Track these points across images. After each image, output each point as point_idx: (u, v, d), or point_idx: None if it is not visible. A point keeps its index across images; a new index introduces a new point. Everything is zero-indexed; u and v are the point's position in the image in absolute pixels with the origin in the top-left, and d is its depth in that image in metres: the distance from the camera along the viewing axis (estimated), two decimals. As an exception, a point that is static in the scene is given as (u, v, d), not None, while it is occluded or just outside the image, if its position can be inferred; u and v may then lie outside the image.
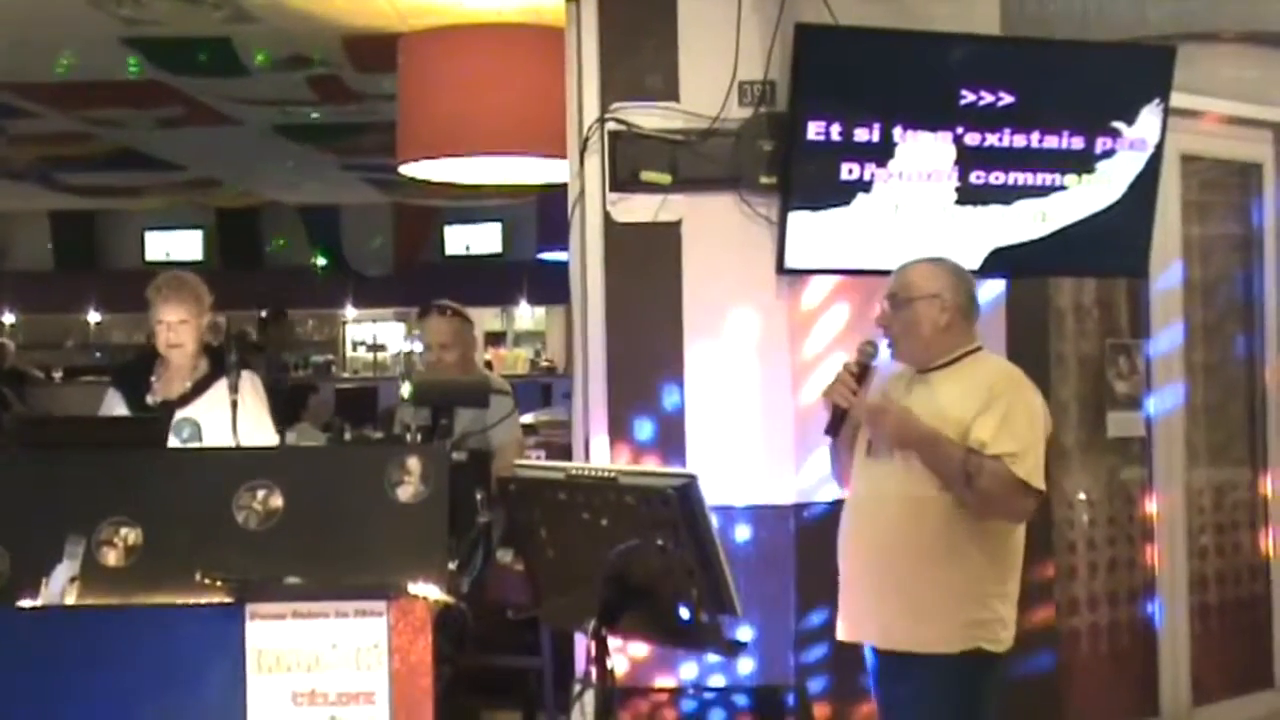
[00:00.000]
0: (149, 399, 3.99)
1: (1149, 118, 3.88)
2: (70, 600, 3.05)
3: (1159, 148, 3.91)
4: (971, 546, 2.93)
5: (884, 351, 3.08)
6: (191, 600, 3.04)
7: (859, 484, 3.11)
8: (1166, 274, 4.64)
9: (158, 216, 13.74)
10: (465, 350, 4.61)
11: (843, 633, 3.15)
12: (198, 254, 13.91)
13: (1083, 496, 4.51)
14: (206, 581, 3.03)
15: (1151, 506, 4.65)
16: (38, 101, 7.48)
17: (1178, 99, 3.97)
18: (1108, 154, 3.86)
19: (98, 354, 13.90)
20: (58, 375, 13.08)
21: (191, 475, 3.32)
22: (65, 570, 3.06)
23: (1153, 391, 4.64)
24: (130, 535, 3.15)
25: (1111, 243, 3.96)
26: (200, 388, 4.00)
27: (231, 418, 3.73)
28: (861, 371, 3.03)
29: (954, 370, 3.02)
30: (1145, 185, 3.92)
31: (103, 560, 3.13)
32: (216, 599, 3.03)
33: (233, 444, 3.73)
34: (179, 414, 3.92)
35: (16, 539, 3.13)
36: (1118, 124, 3.85)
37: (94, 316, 14.58)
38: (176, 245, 13.93)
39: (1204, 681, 4.71)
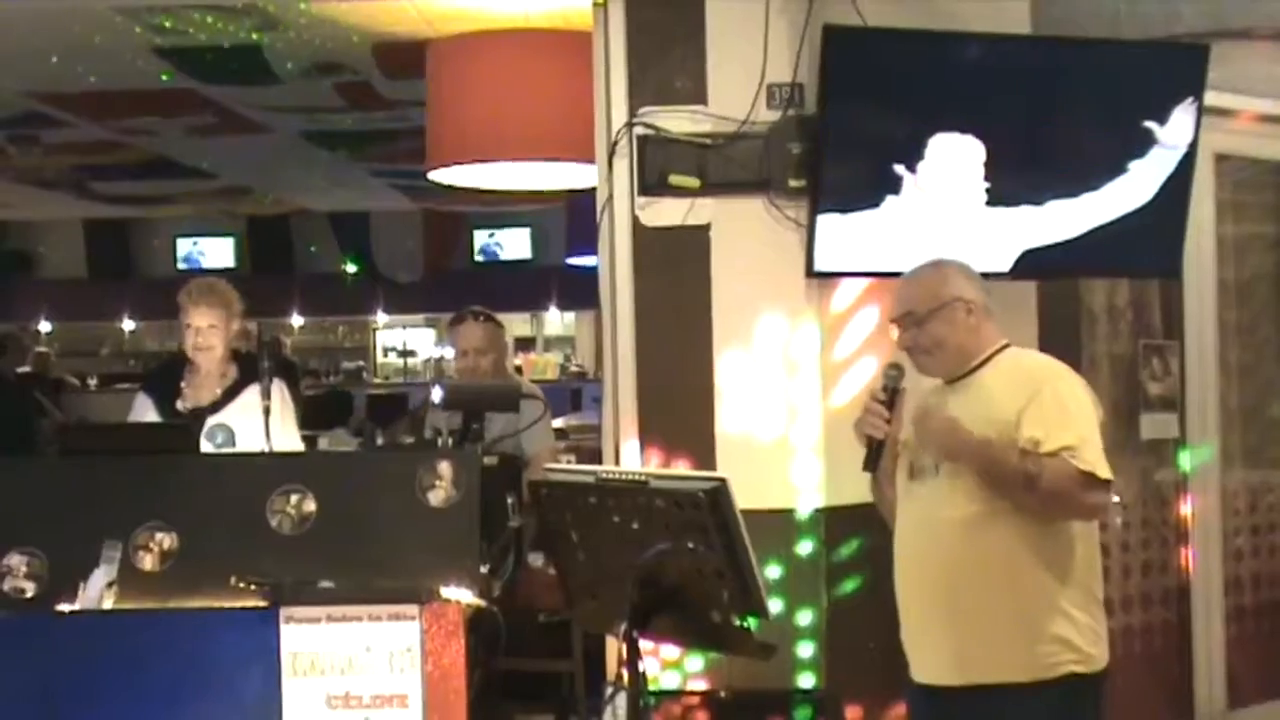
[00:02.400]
0: (179, 405, 4.02)
1: (1182, 117, 3.85)
2: (107, 604, 3.09)
3: (1192, 147, 3.88)
4: (1033, 558, 2.74)
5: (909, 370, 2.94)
6: (227, 604, 3.07)
7: (905, 510, 2.92)
8: (1200, 274, 4.60)
9: (190, 224, 13.86)
10: (499, 355, 4.64)
11: (914, 674, 2.91)
12: (230, 261, 14.03)
13: (1116, 499, 4.47)
14: (241, 585, 3.06)
15: (1186, 508, 4.61)
16: (70, 111, 7.56)
17: (1211, 98, 3.93)
18: (1140, 154, 3.82)
19: (132, 361, 14.04)
20: (93, 382, 13.21)
21: (226, 480, 3.36)
22: (102, 575, 3.10)
23: (1187, 393, 4.60)
24: (166, 540, 3.18)
25: (1144, 243, 3.92)
26: (231, 394, 4.03)
27: (265, 424, 3.75)
28: (890, 398, 2.88)
29: (989, 371, 2.86)
30: (1178, 185, 3.89)
31: (139, 565, 3.16)
32: (251, 603, 3.05)
33: (265, 449, 3.75)
34: (211, 420, 3.95)
35: (54, 544, 3.17)
36: (1150, 124, 3.82)
37: (128, 324, 14.73)
38: (209, 252, 14.05)
39: (1239, 685, 4.66)
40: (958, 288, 2.89)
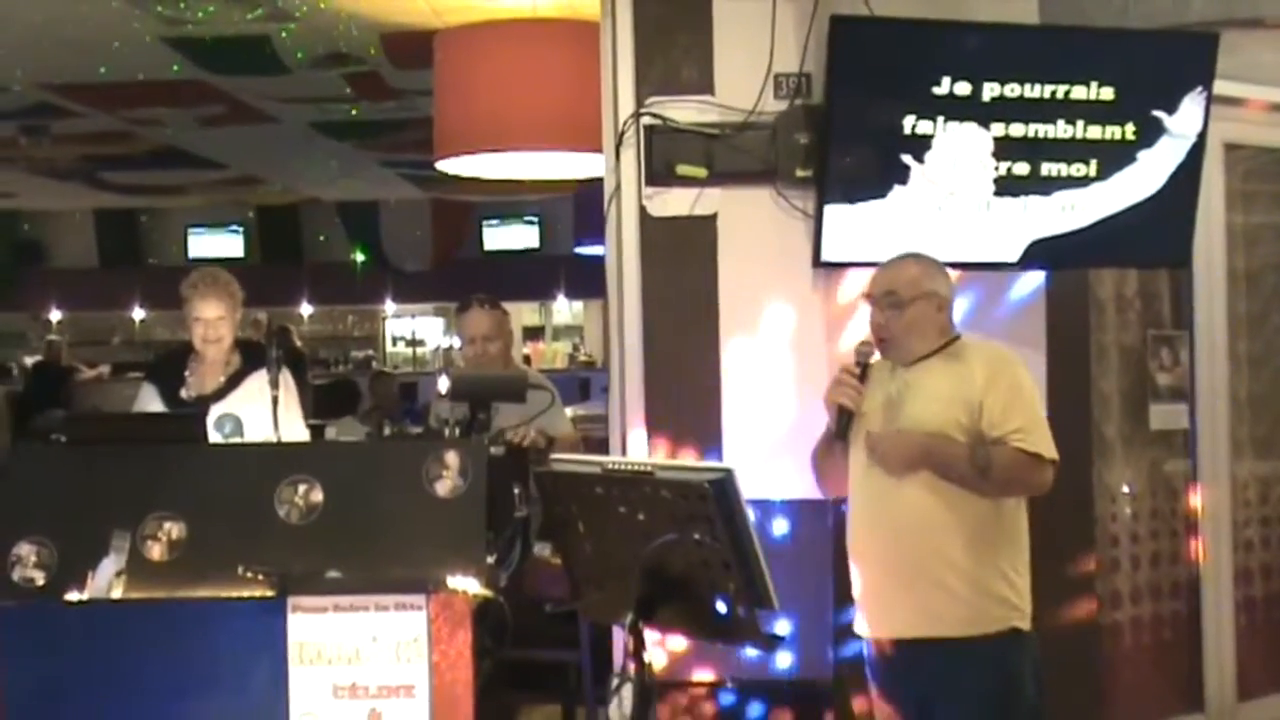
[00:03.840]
0: (183, 394, 4.04)
1: (1191, 106, 3.82)
2: (116, 594, 3.10)
3: (1201, 137, 3.86)
4: (989, 525, 2.98)
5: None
6: (234, 594, 3.08)
7: (861, 478, 3.12)
8: (1210, 264, 4.57)
9: (200, 214, 13.89)
10: (506, 342, 4.63)
11: (865, 629, 3.15)
12: (239, 251, 14.05)
13: (1125, 490, 4.47)
14: (249, 575, 3.06)
15: (1195, 500, 4.59)
16: (81, 101, 7.58)
17: (1220, 87, 3.91)
18: (1149, 143, 3.80)
19: (143, 350, 14.08)
20: (104, 370, 13.25)
21: (233, 470, 3.36)
22: (111, 564, 3.11)
23: (1196, 383, 4.58)
24: (174, 530, 3.19)
25: (1153, 233, 3.91)
26: (234, 381, 4.05)
27: (272, 413, 3.76)
28: (862, 371, 3.11)
29: (943, 356, 3.07)
30: (1187, 175, 3.87)
31: (147, 554, 3.17)
32: (258, 592, 3.06)
33: (273, 438, 3.76)
34: (216, 409, 3.96)
35: (63, 533, 3.18)
36: (1159, 113, 3.80)
37: (138, 313, 14.77)
38: (218, 242, 14.08)
39: (1249, 676, 4.65)
40: (937, 283, 3.10)
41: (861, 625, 3.17)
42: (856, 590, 3.17)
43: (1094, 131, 3.76)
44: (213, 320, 3.99)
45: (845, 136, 3.63)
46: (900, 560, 3.02)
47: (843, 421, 3.11)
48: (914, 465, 2.99)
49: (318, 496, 3.21)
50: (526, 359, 12.85)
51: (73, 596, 3.10)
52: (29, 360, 13.09)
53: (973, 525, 2.97)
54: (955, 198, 3.71)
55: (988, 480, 2.94)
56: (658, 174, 3.80)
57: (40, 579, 3.14)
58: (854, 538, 3.16)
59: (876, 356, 3.14)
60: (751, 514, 2.34)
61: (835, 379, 3.14)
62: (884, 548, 3.07)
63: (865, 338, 3.16)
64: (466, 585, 3.05)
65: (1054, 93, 3.70)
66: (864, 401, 3.09)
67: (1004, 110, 3.68)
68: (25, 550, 3.16)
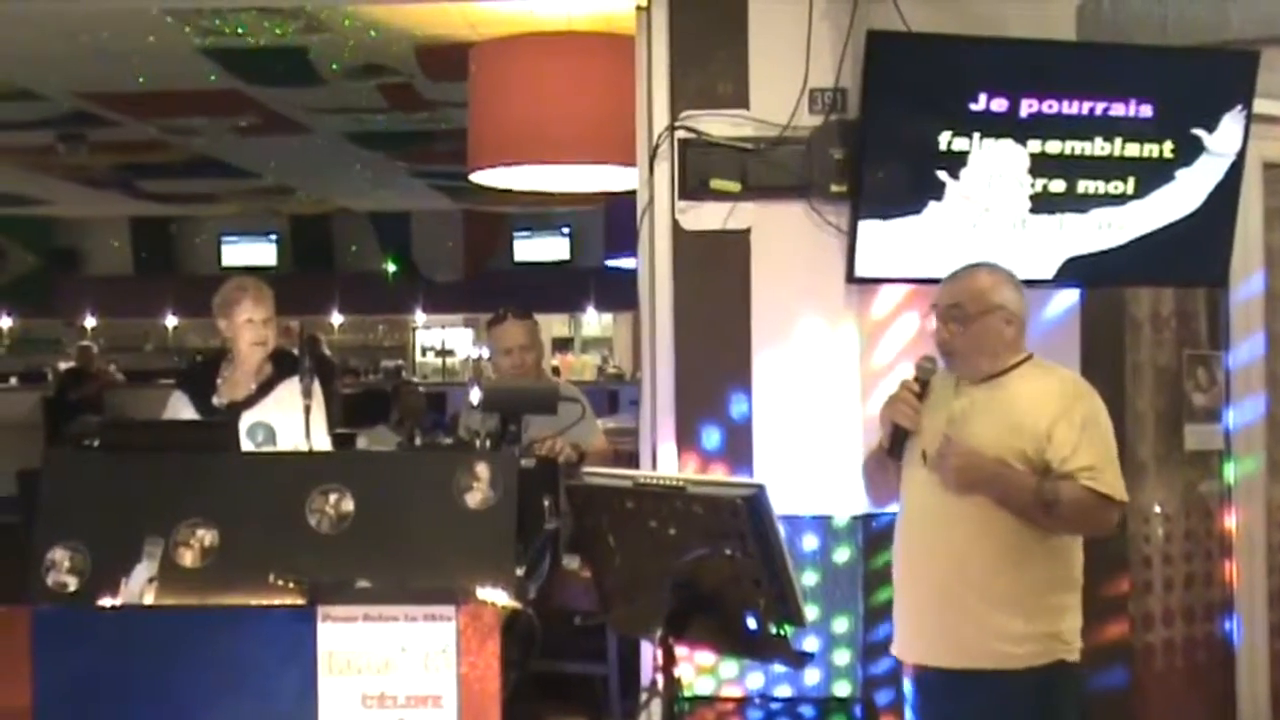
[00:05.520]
0: (215, 401, 4.06)
1: (1230, 125, 3.79)
2: (148, 600, 3.11)
3: (1241, 155, 3.83)
4: (1041, 555, 2.87)
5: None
6: (265, 601, 3.09)
7: (916, 496, 3.01)
8: (1247, 283, 4.53)
9: (234, 222, 14.00)
10: (539, 353, 4.66)
11: (904, 654, 3.05)
12: (272, 259, 14.15)
13: (1159, 510, 4.42)
14: (279, 583, 3.07)
15: (1230, 521, 4.54)
16: (118, 110, 7.66)
17: (1261, 105, 3.88)
18: (1188, 162, 3.78)
19: (175, 358, 14.19)
20: (124, 376, 13.33)
21: (265, 478, 3.38)
22: (144, 570, 3.12)
23: (1232, 404, 4.54)
24: (207, 537, 3.21)
25: (1191, 252, 3.88)
26: (265, 389, 4.07)
27: (305, 421, 3.78)
28: (922, 389, 2.99)
29: (1015, 378, 2.94)
30: (1226, 193, 3.84)
31: (180, 561, 3.19)
32: (289, 601, 3.07)
33: (304, 447, 3.78)
34: (247, 416, 3.98)
35: (97, 539, 3.20)
36: (1198, 131, 3.77)
37: (171, 320, 14.88)
38: (252, 251, 14.18)
39: (1284, 700, 4.60)
40: (1005, 297, 2.96)
41: (899, 648, 3.08)
42: (896, 610, 3.09)
43: (1132, 149, 3.73)
44: (260, 322, 4.03)
45: (880, 152, 3.62)
46: (944, 587, 2.91)
47: (898, 439, 3.01)
48: (976, 486, 2.85)
49: (349, 506, 3.22)
50: (555, 370, 12.87)
51: (105, 602, 3.12)
52: (62, 366, 13.21)
53: (1022, 556, 2.85)
54: (990, 214, 3.69)
55: (1051, 516, 2.81)
56: (691, 188, 3.80)
57: (73, 584, 3.16)
58: (899, 557, 3.07)
59: (941, 372, 3.02)
60: (782, 530, 2.33)
61: (894, 395, 3.03)
62: (929, 572, 2.96)
63: (928, 354, 3.03)
64: (495, 597, 3.05)
65: (1092, 109, 3.68)
66: (923, 419, 2.98)
67: (1041, 127, 3.66)
68: (59, 555, 3.18)
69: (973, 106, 3.62)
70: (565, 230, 13.79)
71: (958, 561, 2.89)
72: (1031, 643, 2.85)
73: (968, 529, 2.88)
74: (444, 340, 15.41)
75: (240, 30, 5.62)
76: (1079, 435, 2.81)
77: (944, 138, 3.62)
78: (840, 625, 3.74)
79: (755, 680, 3.74)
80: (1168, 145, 3.75)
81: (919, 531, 3.00)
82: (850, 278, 3.70)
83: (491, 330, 4.69)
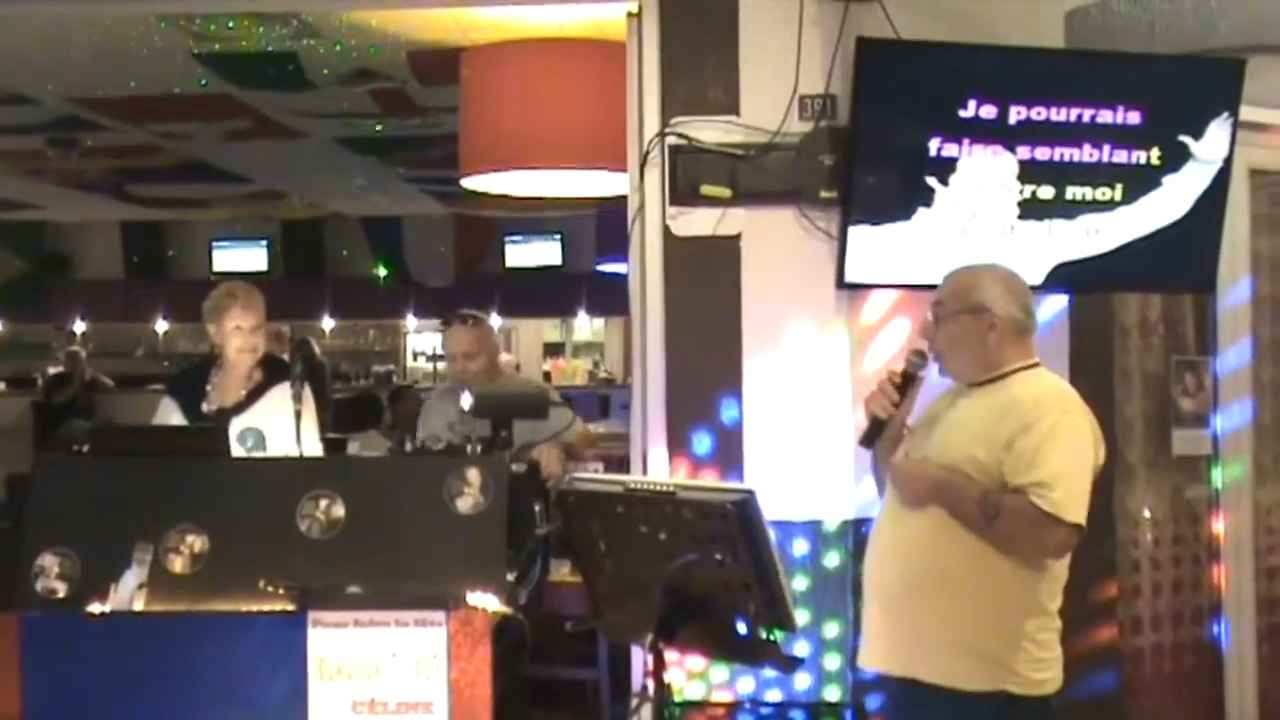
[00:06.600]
0: (204, 407, 4.06)
1: (1217, 132, 3.82)
2: (138, 606, 3.12)
3: (1227, 162, 3.85)
4: (1002, 574, 2.70)
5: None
6: (255, 607, 3.09)
7: (888, 501, 2.91)
8: (1235, 290, 4.55)
9: (225, 227, 13.97)
10: (490, 356, 4.59)
11: (862, 658, 2.96)
12: (263, 264, 14.11)
13: (1147, 515, 4.44)
14: (270, 589, 3.08)
15: (1218, 526, 4.56)
16: (109, 115, 7.64)
17: (1247, 112, 3.90)
18: (1175, 168, 3.80)
19: (165, 363, 14.15)
20: (114, 382, 13.27)
21: (256, 484, 3.38)
22: (133, 576, 3.12)
23: (1219, 409, 4.56)
24: (196, 542, 3.21)
25: (1178, 258, 3.90)
26: (255, 394, 4.07)
27: (295, 427, 3.78)
28: (905, 382, 2.87)
29: (998, 387, 2.79)
30: (1213, 200, 3.86)
31: (170, 567, 3.19)
32: (279, 606, 3.07)
33: (295, 452, 3.78)
34: (237, 422, 3.98)
35: (87, 545, 3.20)
36: (1185, 138, 3.79)
37: (161, 325, 14.84)
38: (243, 256, 14.14)
39: (1271, 703, 4.61)
40: (989, 298, 2.81)
41: (860, 653, 2.98)
42: (862, 615, 3.01)
43: (1119, 156, 3.75)
44: (249, 329, 4.03)
45: (870, 158, 3.64)
46: (891, 592, 2.82)
47: (874, 430, 2.91)
48: (924, 497, 2.75)
49: (339, 511, 3.22)
50: (547, 375, 12.85)
51: (95, 608, 3.12)
52: (51, 370, 13.17)
53: (975, 572, 2.70)
54: (979, 220, 3.71)
55: (991, 529, 2.66)
56: (682, 194, 3.81)
57: (63, 590, 3.16)
58: (866, 561, 2.98)
59: (931, 370, 2.92)
60: (773, 535, 2.34)
61: (878, 384, 2.92)
62: (884, 577, 2.86)
63: (919, 347, 2.92)
64: (486, 602, 3.06)
65: (1080, 116, 3.70)
66: (907, 416, 2.88)
67: (1029, 133, 3.68)
68: (48, 561, 3.18)
69: (962, 113, 3.64)
70: (557, 235, 13.78)
71: (910, 569, 2.79)
72: (972, 663, 2.70)
73: (924, 537, 2.76)
74: (435, 345, 15.37)
75: (231, 30, 5.62)
76: (1037, 448, 2.64)
77: (933, 144, 3.63)
78: (831, 630, 3.75)
79: (746, 685, 3.75)
80: (1155, 152, 3.77)
81: (881, 536, 2.91)
82: (840, 283, 3.71)
83: (443, 335, 4.68)
